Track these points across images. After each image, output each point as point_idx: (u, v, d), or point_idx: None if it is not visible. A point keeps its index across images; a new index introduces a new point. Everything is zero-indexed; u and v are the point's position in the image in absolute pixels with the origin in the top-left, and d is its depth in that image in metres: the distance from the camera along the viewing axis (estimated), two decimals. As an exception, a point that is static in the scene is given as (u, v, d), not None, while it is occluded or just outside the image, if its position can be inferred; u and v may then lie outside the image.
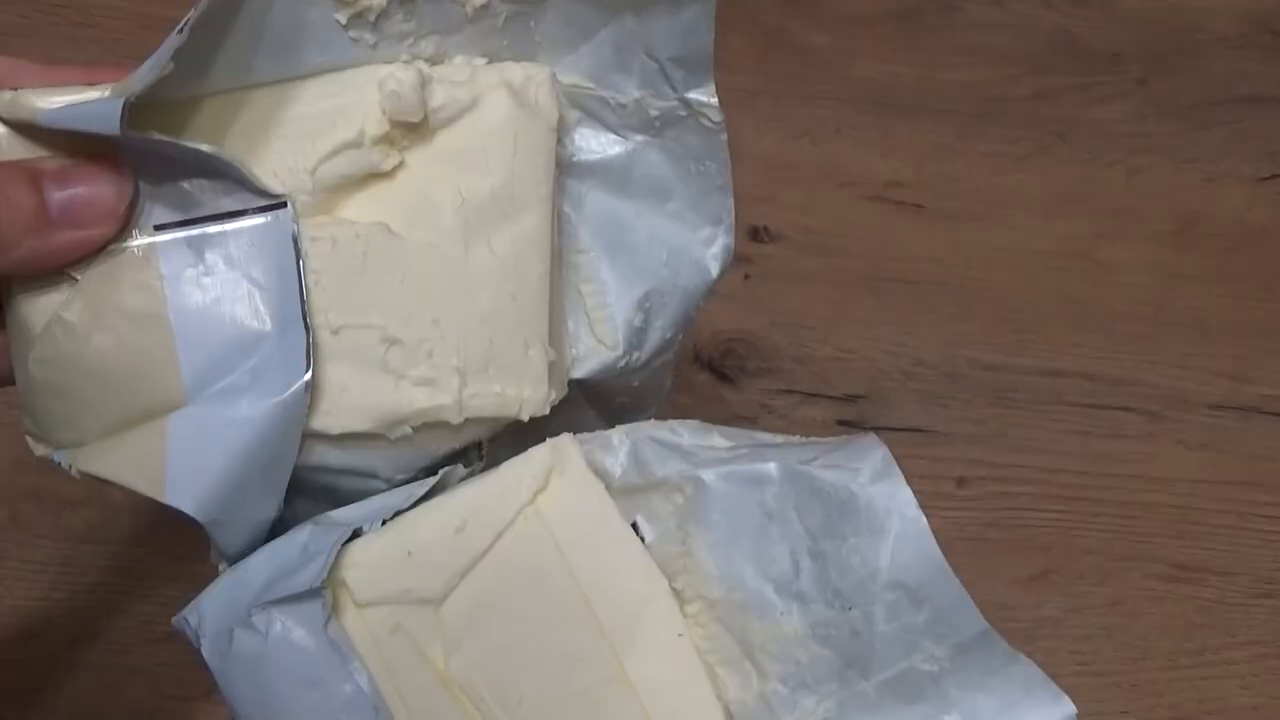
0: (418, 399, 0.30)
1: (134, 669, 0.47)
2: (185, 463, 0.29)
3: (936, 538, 0.34)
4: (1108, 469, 0.54)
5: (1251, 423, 0.55)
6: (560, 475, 0.32)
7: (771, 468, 0.32)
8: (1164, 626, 0.51)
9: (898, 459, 0.34)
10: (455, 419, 0.31)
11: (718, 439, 0.33)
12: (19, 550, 0.49)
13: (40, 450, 0.31)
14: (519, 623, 0.31)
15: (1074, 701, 0.49)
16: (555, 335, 0.33)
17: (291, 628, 0.29)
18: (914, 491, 0.34)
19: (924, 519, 0.31)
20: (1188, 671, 0.50)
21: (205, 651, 0.30)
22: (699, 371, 0.55)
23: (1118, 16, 0.64)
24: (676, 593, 0.33)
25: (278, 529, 0.31)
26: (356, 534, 0.31)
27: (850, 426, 0.53)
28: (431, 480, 0.32)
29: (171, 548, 0.49)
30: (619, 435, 0.33)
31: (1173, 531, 0.53)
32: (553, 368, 0.32)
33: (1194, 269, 0.58)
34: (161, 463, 0.29)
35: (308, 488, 0.31)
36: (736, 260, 0.56)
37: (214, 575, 0.33)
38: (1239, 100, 0.62)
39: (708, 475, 0.32)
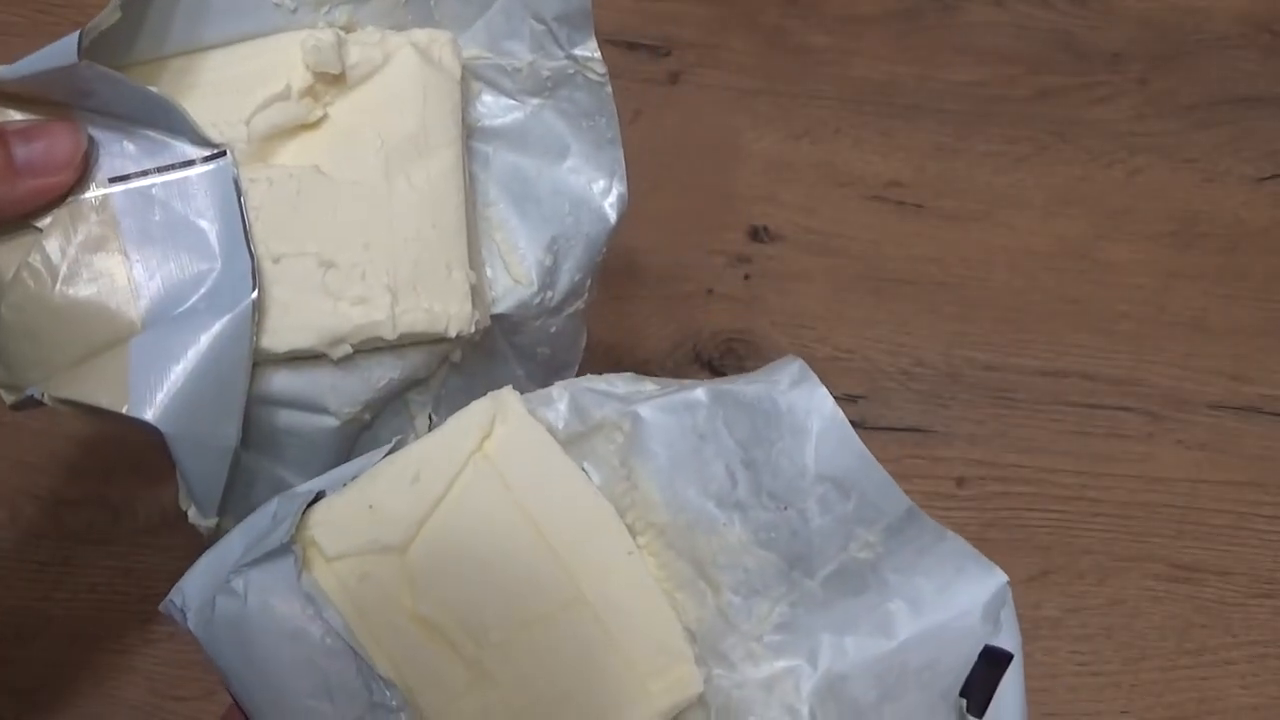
0: (354, 315, 0.34)
1: (134, 669, 0.47)
2: (146, 378, 0.32)
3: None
4: (1107, 469, 0.54)
5: (1251, 423, 0.55)
6: (503, 422, 0.35)
7: (700, 393, 0.34)
8: (1164, 626, 0.51)
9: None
10: (390, 334, 0.34)
11: (649, 385, 0.36)
12: (19, 550, 0.49)
13: (12, 398, 0.33)
14: (479, 559, 0.33)
15: (1072, 693, 0.49)
16: (475, 265, 0.37)
17: (267, 585, 0.31)
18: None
19: (842, 414, 0.33)
20: (1188, 671, 0.50)
21: (191, 623, 0.32)
22: (699, 371, 0.55)
23: (1118, 16, 0.64)
24: (628, 527, 0.35)
25: (237, 480, 0.34)
26: (321, 498, 0.33)
27: (850, 427, 0.53)
28: (386, 448, 0.35)
29: (171, 548, 0.49)
30: (558, 389, 0.36)
31: (1172, 531, 0.53)
32: (475, 292, 0.36)
33: (1194, 269, 0.58)
34: (124, 380, 0.32)
35: (261, 432, 0.34)
36: (736, 260, 0.57)
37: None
38: (1239, 100, 0.62)
39: (643, 410, 0.34)
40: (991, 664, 0.32)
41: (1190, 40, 0.63)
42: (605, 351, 0.42)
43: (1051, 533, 0.52)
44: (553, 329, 0.40)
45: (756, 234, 0.58)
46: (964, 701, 0.32)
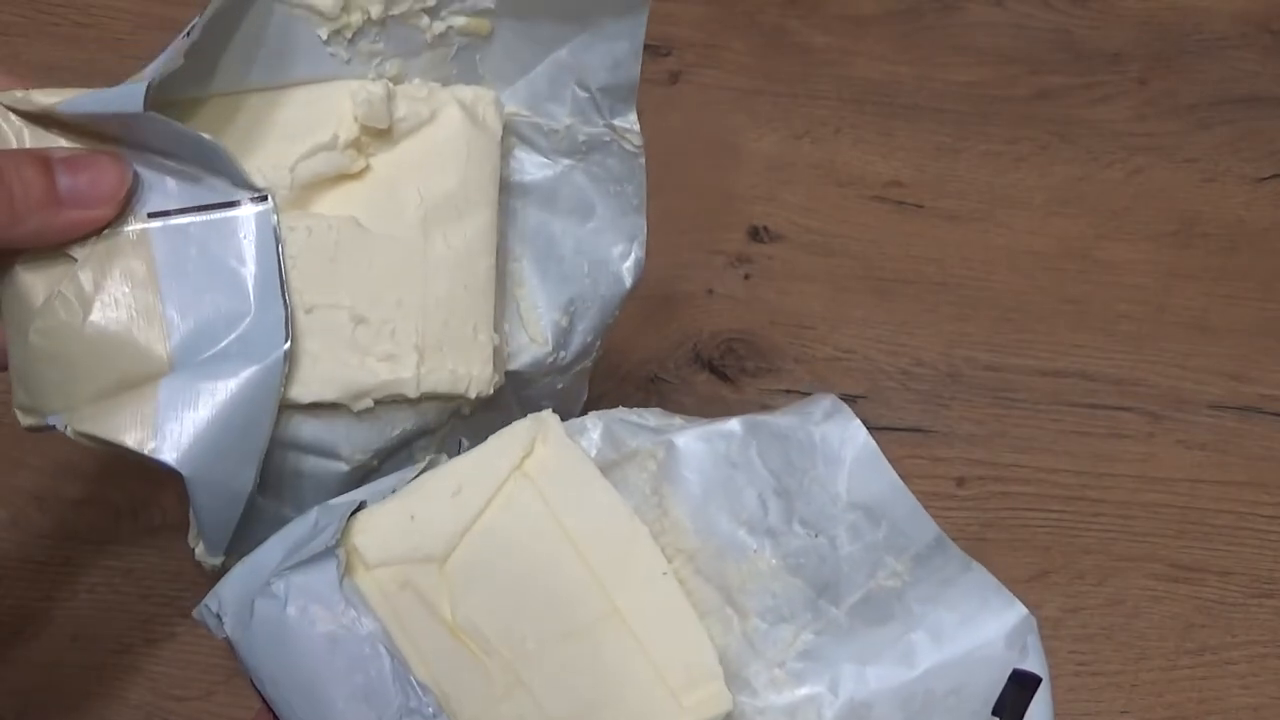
0: (381, 372, 0.34)
1: (134, 669, 0.48)
2: (173, 421, 0.32)
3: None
4: (1107, 469, 0.54)
5: (1251, 423, 0.55)
6: (543, 442, 0.35)
7: (734, 423, 0.35)
8: (1164, 626, 0.51)
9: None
10: (413, 393, 0.35)
11: (678, 420, 0.36)
12: (19, 550, 0.49)
13: (29, 420, 0.33)
14: (517, 573, 0.34)
15: (1072, 694, 0.49)
16: (498, 325, 0.38)
17: (308, 589, 0.31)
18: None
19: (875, 444, 0.34)
20: (1188, 671, 0.50)
21: (228, 627, 0.32)
22: (699, 371, 0.55)
23: (1118, 16, 0.64)
24: None
25: (250, 519, 0.34)
26: (361, 508, 0.34)
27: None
28: (421, 465, 0.35)
29: (171, 548, 0.49)
30: (592, 419, 0.37)
31: (1173, 531, 0.53)
32: (496, 352, 0.36)
33: (1194, 269, 0.58)
34: (151, 421, 0.32)
35: (274, 474, 0.34)
36: (736, 260, 0.57)
37: (216, 576, 0.34)
38: (1239, 100, 0.62)
39: (678, 439, 0.35)
40: (1021, 686, 0.33)
41: (1190, 40, 0.63)
42: (606, 352, 0.42)
43: (1051, 533, 0.52)
44: (559, 386, 0.41)
45: (756, 234, 0.58)
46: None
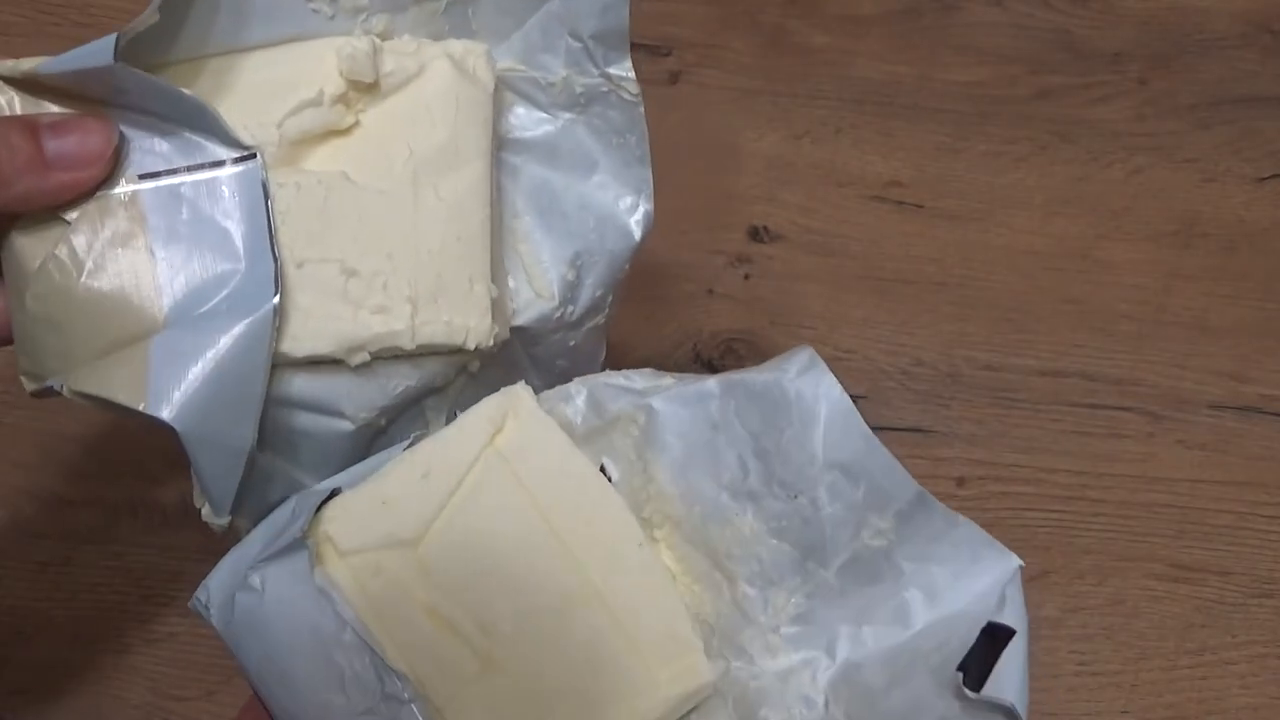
0: (374, 324, 0.34)
1: (134, 669, 0.48)
2: (165, 377, 0.32)
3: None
4: (1107, 469, 0.54)
5: (1251, 422, 0.55)
6: (514, 417, 0.35)
7: (712, 384, 0.35)
8: (1164, 626, 0.51)
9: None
10: (408, 344, 0.34)
11: (668, 379, 0.36)
12: (19, 550, 0.49)
13: (32, 386, 0.33)
14: (490, 552, 0.34)
15: (1072, 694, 0.49)
16: (497, 277, 0.37)
17: (283, 580, 0.31)
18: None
19: (849, 401, 0.34)
20: (1188, 671, 0.50)
21: (215, 620, 0.32)
22: (699, 371, 0.55)
23: (1118, 16, 0.64)
24: (645, 521, 0.35)
25: (252, 479, 0.34)
26: (336, 494, 0.34)
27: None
28: (404, 443, 0.35)
29: (171, 547, 0.49)
30: (576, 385, 0.36)
31: (1173, 531, 0.53)
32: (495, 305, 0.36)
33: (1194, 269, 0.58)
34: (144, 378, 0.32)
35: (277, 433, 0.35)
36: (736, 260, 0.57)
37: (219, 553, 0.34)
38: (1239, 100, 0.62)
39: (656, 402, 0.35)
40: (993, 639, 0.32)
41: (1190, 40, 0.63)
42: (606, 351, 0.42)
43: (1051, 533, 0.52)
44: (572, 343, 0.40)
45: (756, 234, 0.58)
46: (960, 675, 0.31)
